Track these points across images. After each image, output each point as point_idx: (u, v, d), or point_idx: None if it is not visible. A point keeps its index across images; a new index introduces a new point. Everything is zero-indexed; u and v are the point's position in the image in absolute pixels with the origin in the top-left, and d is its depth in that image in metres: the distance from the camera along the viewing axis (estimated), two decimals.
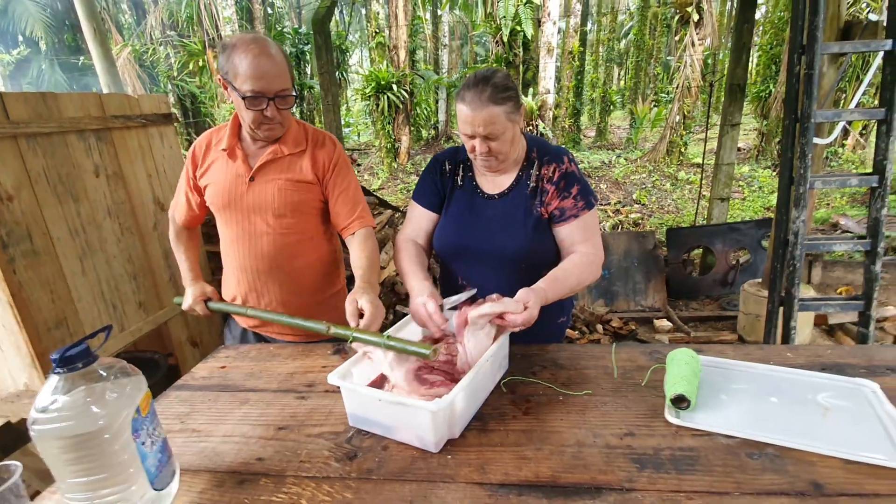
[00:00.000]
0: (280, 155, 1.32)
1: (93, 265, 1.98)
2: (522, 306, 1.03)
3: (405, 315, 1.26)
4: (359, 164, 11.34)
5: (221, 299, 1.49)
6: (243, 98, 1.19)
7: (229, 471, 0.87)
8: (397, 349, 0.97)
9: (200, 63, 11.29)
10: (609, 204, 7.28)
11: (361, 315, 1.10)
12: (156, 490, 0.75)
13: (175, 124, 2.48)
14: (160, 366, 2.35)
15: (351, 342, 1.04)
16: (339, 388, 0.96)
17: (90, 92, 2.11)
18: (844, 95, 7.29)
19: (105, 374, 0.73)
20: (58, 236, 1.83)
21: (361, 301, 1.11)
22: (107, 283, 2.05)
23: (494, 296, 1.04)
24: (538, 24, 7.56)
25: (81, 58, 12.15)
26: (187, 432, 1.00)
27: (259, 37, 1.20)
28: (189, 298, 1.43)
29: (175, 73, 11.44)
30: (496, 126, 1.14)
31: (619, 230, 6.27)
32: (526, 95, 8.75)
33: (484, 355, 0.99)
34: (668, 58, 14.39)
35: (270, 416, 1.03)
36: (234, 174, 1.33)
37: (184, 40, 11.55)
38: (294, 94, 1.25)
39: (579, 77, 12.14)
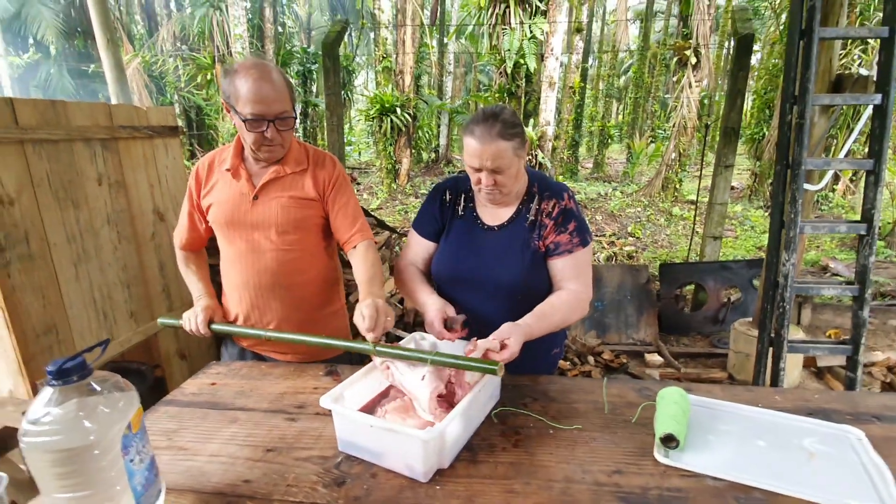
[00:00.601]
0: (282, 174, 1.36)
1: (87, 272, 1.98)
2: (500, 345, 1.05)
3: (398, 337, 1.27)
4: (358, 183, 11.43)
5: (225, 322, 1.44)
6: (244, 121, 1.22)
7: (215, 492, 0.86)
8: (463, 366, 0.97)
9: (208, 76, 11.46)
10: (604, 236, 7.36)
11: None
12: None
13: (181, 137, 2.51)
14: (146, 377, 2.32)
15: (375, 350, 1.03)
16: (330, 410, 0.96)
17: (100, 102, 2.14)
18: (836, 142, 7.49)
19: (99, 388, 0.73)
20: (55, 241, 1.83)
21: (361, 307, 1.11)
22: (99, 290, 2.04)
23: (470, 345, 1.06)
24: (541, 58, 7.78)
25: (92, 65, 12.30)
26: (174, 450, 0.98)
27: (260, 61, 1.25)
28: (195, 311, 1.35)
29: (182, 85, 11.59)
30: (504, 160, 1.18)
31: (613, 262, 6.32)
32: (527, 126, 8.94)
33: (477, 386, 1.00)
34: (665, 96, 14.78)
35: (259, 437, 1.02)
36: (238, 192, 1.36)
37: (194, 54, 11.74)
38: (294, 116, 1.29)
39: (579, 110, 12.41)
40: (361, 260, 1.35)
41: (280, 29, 12.64)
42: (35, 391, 1.73)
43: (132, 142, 2.19)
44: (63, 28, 12.43)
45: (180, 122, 2.55)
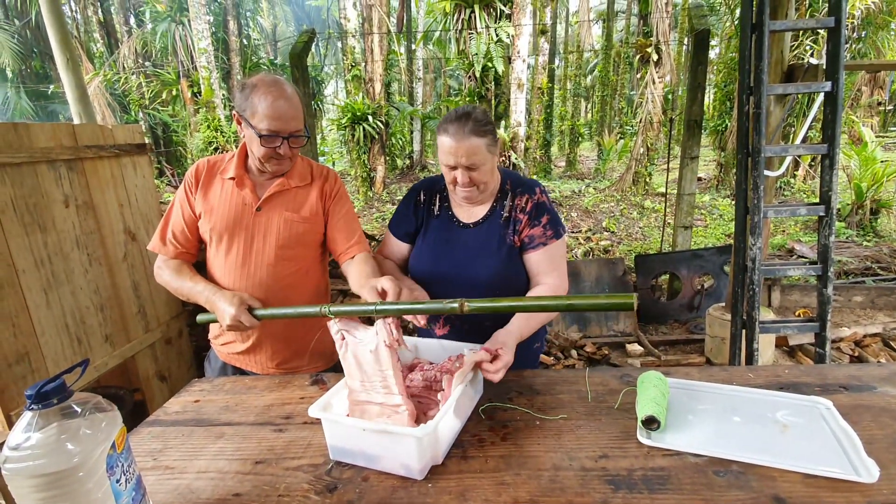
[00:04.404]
0: (287, 187, 1.38)
1: (58, 297, 1.92)
2: (492, 355, 1.08)
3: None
4: None
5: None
6: (259, 136, 1.24)
7: None
8: (594, 307, 0.97)
9: (174, 92, 11.23)
10: (580, 231, 7.48)
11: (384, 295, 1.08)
12: None
13: (149, 154, 2.47)
14: (125, 402, 2.26)
15: (377, 312, 1.02)
16: (318, 419, 0.96)
17: (63, 122, 2.09)
18: (793, 130, 7.81)
19: (80, 409, 0.72)
20: (23, 268, 1.78)
21: (381, 282, 1.08)
22: (72, 315, 1.98)
23: (457, 361, 1.08)
24: (509, 61, 7.90)
25: (52, 86, 11.93)
26: (160, 469, 0.97)
27: (278, 79, 1.27)
28: (231, 309, 1.19)
29: (147, 102, 11.34)
30: (478, 157, 1.21)
31: (590, 257, 6.43)
32: (498, 128, 9.04)
33: (463, 381, 1.02)
34: (631, 93, 15.15)
35: (247, 451, 1.01)
36: (241, 202, 1.35)
37: (157, 70, 11.50)
38: (307, 134, 1.32)
39: (548, 110, 12.63)
40: (363, 264, 1.32)
41: (245, 42, 12.49)
42: (9, 422, 1.67)
43: (99, 161, 2.14)
44: (19, 50, 12.03)
45: (147, 140, 2.51)
